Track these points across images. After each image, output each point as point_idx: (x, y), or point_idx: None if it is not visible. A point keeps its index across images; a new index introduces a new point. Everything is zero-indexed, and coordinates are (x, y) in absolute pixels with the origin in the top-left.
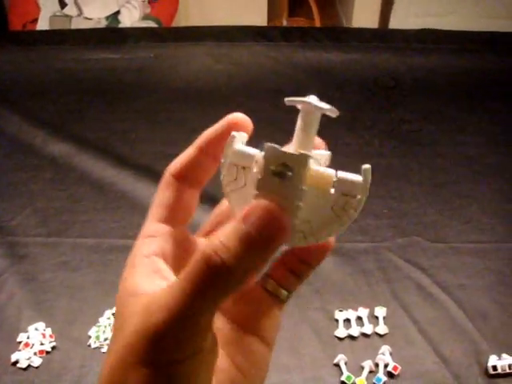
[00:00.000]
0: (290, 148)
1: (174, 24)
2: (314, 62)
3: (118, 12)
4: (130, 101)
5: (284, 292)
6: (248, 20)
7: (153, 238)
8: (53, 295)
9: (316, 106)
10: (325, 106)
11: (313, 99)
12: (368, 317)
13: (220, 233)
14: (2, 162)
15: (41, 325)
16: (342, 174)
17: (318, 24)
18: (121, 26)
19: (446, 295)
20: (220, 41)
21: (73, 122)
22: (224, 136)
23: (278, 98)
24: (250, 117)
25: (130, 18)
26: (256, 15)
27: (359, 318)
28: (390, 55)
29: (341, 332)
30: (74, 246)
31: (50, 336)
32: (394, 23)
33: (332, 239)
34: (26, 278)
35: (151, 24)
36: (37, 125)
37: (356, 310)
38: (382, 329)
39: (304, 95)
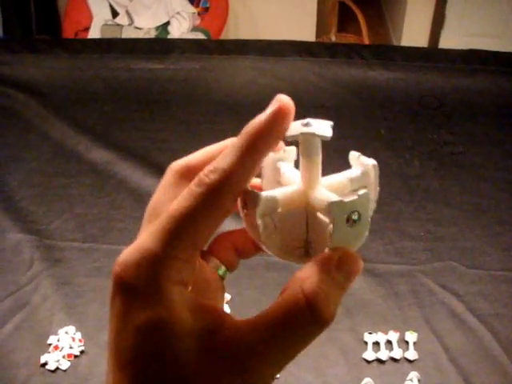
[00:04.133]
0: (298, 178)
1: (223, 36)
2: (358, 79)
3: (167, 23)
4: (173, 111)
5: (223, 268)
6: (297, 34)
7: (180, 262)
8: (85, 300)
9: (307, 134)
10: (319, 130)
11: (306, 126)
12: (398, 341)
13: (317, 279)
14: (45, 166)
15: (71, 328)
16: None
17: (366, 41)
18: (170, 36)
19: (481, 324)
20: (265, 55)
21: (115, 129)
22: (275, 129)
23: (320, 114)
24: None
25: (180, 29)
26: (305, 29)
27: (389, 342)
28: (436, 75)
29: (369, 355)
30: (108, 252)
31: (80, 340)
32: (444, 42)
33: None
34: (61, 281)
35: (200, 35)
36: (80, 131)
37: (386, 333)
38: (411, 354)
39: (347, 111)
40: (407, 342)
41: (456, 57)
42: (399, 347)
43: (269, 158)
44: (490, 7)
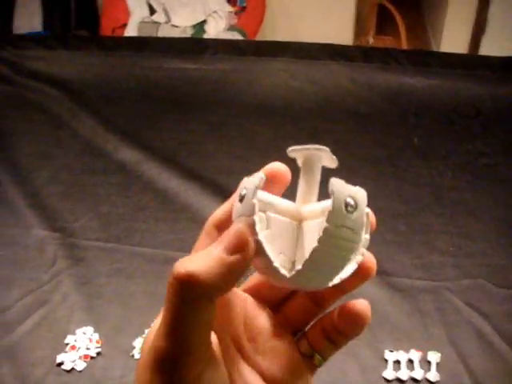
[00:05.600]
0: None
1: (260, 36)
2: (393, 85)
3: (204, 21)
4: (203, 112)
5: (318, 357)
6: (335, 35)
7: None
8: (104, 301)
9: (312, 149)
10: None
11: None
12: (420, 361)
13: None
14: (72, 164)
15: (89, 329)
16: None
17: (404, 44)
18: (206, 35)
19: (508, 346)
20: (298, 57)
21: (145, 129)
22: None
23: (352, 120)
24: (321, 137)
25: (216, 28)
26: (343, 31)
27: (410, 361)
28: (473, 83)
29: (389, 374)
30: (130, 253)
31: (97, 341)
32: (485, 48)
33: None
34: (82, 281)
35: (236, 35)
36: (110, 130)
37: (408, 351)
38: (433, 375)
39: (380, 118)
40: (429, 362)
41: (495, 64)
42: (421, 367)
43: None
44: None
